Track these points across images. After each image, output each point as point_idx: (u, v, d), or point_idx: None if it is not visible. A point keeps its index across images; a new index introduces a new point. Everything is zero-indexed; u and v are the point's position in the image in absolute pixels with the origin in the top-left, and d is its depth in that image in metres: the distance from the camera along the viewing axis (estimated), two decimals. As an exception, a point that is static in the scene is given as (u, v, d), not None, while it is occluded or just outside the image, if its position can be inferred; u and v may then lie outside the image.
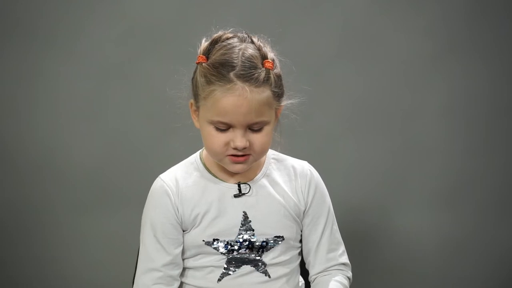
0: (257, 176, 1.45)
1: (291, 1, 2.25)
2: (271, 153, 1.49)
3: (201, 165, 1.46)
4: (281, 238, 1.44)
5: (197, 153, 1.49)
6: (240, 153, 1.36)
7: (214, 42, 1.38)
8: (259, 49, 1.37)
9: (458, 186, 2.32)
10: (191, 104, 1.41)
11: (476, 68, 2.28)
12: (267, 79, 1.34)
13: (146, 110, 2.24)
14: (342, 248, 1.52)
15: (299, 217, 1.47)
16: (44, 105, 2.25)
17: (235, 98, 1.32)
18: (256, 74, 1.33)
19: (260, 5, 2.23)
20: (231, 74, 1.32)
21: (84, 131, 2.25)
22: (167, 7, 2.23)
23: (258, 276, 1.43)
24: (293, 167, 1.49)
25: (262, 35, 1.41)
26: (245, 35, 1.39)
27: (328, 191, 1.52)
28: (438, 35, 2.27)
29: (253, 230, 1.42)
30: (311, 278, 1.51)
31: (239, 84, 1.32)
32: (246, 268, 1.43)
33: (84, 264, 2.29)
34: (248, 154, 1.38)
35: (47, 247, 2.28)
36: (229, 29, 1.41)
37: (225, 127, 1.35)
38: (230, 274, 1.42)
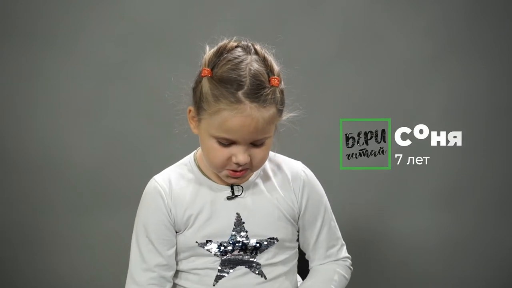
0: (251, 178, 1.45)
1: (291, 1, 2.25)
2: None
3: (195, 167, 1.46)
4: (275, 239, 1.44)
5: (191, 154, 1.49)
6: (239, 169, 1.37)
7: (219, 54, 1.36)
8: (264, 61, 1.36)
9: (458, 186, 2.32)
10: (189, 110, 1.41)
11: (476, 68, 2.28)
12: (273, 98, 1.34)
13: (146, 110, 2.24)
14: (341, 243, 1.53)
15: (294, 219, 1.47)
16: (44, 105, 2.25)
17: (244, 118, 1.32)
18: (264, 94, 1.32)
19: (260, 5, 2.24)
20: (240, 94, 1.32)
21: (84, 131, 2.25)
22: (167, 7, 2.23)
23: (254, 277, 1.43)
24: (287, 169, 1.49)
25: (266, 44, 1.40)
26: (249, 44, 1.38)
27: (327, 191, 1.52)
28: (438, 35, 2.27)
29: (246, 232, 1.42)
30: (310, 267, 1.53)
31: (248, 105, 1.31)
32: (241, 269, 1.43)
33: (84, 264, 2.29)
34: (247, 169, 1.38)
35: (47, 247, 2.28)
36: (233, 37, 1.40)
37: (228, 142, 1.35)
38: (225, 276, 1.42)
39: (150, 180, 1.47)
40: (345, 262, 1.52)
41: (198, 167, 1.46)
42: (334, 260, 1.51)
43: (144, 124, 2.25)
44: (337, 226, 1.53)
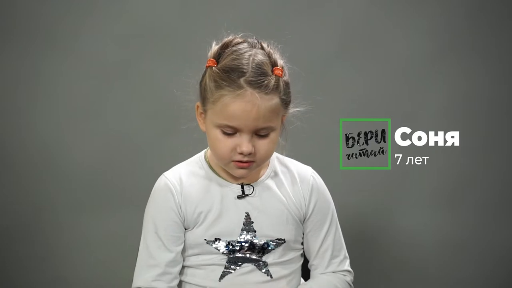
0: (262, 178, 1.46)
1: (291, 1, 2.25)
2: (275, 155, 1.50)
3: (205, 164, 1.46)
4: (283, 240, 1.44)
5: (202, 152, 1.49)
6: (245, 159, 1.37)
7: (224, 47, 1.39)
8: (269, 55, 1.37)
9: (458, 186, 2.32)
10: (197, 106, 1.42)
11: (476, 68, 2.28)
12: (276, 87, 1.35)
13: (146, 110, 2.25)
14: (344, 254, 1.52)
15: (301, 221, 1.48)
16: (44, 105, 2.25)
17: (244, 103, 1.32)
18: (266, 81, 1.34)
19: (261, 5, 2.24)
20: (241, 80, 1.33)
21: (84, 131, 2.25)
22: (168, 7, 2.23)
23: (260, 275, 1.43)
24: (297, 172, 1.49)
25: (272, 41, 1.42)
26: (255, 41, 1.40)
27: (329, 191, 1.52)
28: (438, 35, 2.27)
29: (255, 232, 1.42)
30: (311, 276, 1.52)
31: (249, 90, 1.32)
32: (248, 266, 1.43)
33: (84, 264, 2.29)
34: (252, 161, 1.38)
35: (47, 247, 2.28)
36: (240, 33, 1.42)
37: (232, 131, 1.36)
38: (231, 272, 1.43)
39: (160, 177, 1.47)
40: (344, 277, 1.51)
41: (209, 164, 1.46)
42: (334, 272, 1.51)
43: (145, 124, 2.25)
44: (342, 238, 1.53)
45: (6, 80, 2.24)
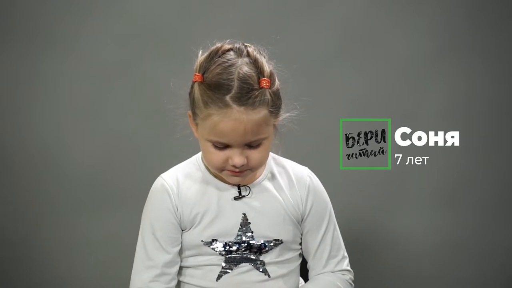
0: (258, 179, 1.46)
1: (291, 1, 2.25)
2: (271, 156, 1.50)
3: (202, 166, 1.47)
4: (280, 241, 1.45)
5: (199, 153, 1.49)
6: (237, 169, 1.38)
7: (210, 58, 1.36)
8: (255, 64, 1.35)
9: (458, 186, 2.32)
10: (189, 115, 1.41)
11: (476, 68, 2.28)
12: (263, 100, 1.34)
13: (146, 110, 2.25)
14: (342, 254, 1.52)
15: (299, 222, 1.48)
16: (44, 105, 2.25)
17: (233, 122, 1.32)
18: (252, 97, 1.32)
19: (261, 5, 2.24)
20: (227, 98, 1.32)
21: (84, 131, 2.26)
22: (168, 7, 2.23)
23: (257, 274, 1.44)
24: (293, 173, 1.49)
25: (258, 46, 1.40)
26: (242, 47, 1.38)
27: (327, 191, 1.52)
28: (438, 35, 2.27)
29: (252, 232, 1.43)
30: (309, 277, 1.52)
31: (235, 108, 1.32)
32: (245, 266, 1.44)
33: (84, 264, 2.29)
34: (246, 169, 1.39)
35: (47, 247, 2.28)
36: (226, 40, 1.40)
37: (223, 146, 1.36)
38: (229, 272, 1.43)
39: (158, 178, 1.48)
40: (344, 276, 1.51)
41: (206, 166, 1.46)
42: (332, 272, 1.51)
43: (144, 124, 2.25)
44: (340, 237, 1.53)
45: (6, 80, 2.24)
